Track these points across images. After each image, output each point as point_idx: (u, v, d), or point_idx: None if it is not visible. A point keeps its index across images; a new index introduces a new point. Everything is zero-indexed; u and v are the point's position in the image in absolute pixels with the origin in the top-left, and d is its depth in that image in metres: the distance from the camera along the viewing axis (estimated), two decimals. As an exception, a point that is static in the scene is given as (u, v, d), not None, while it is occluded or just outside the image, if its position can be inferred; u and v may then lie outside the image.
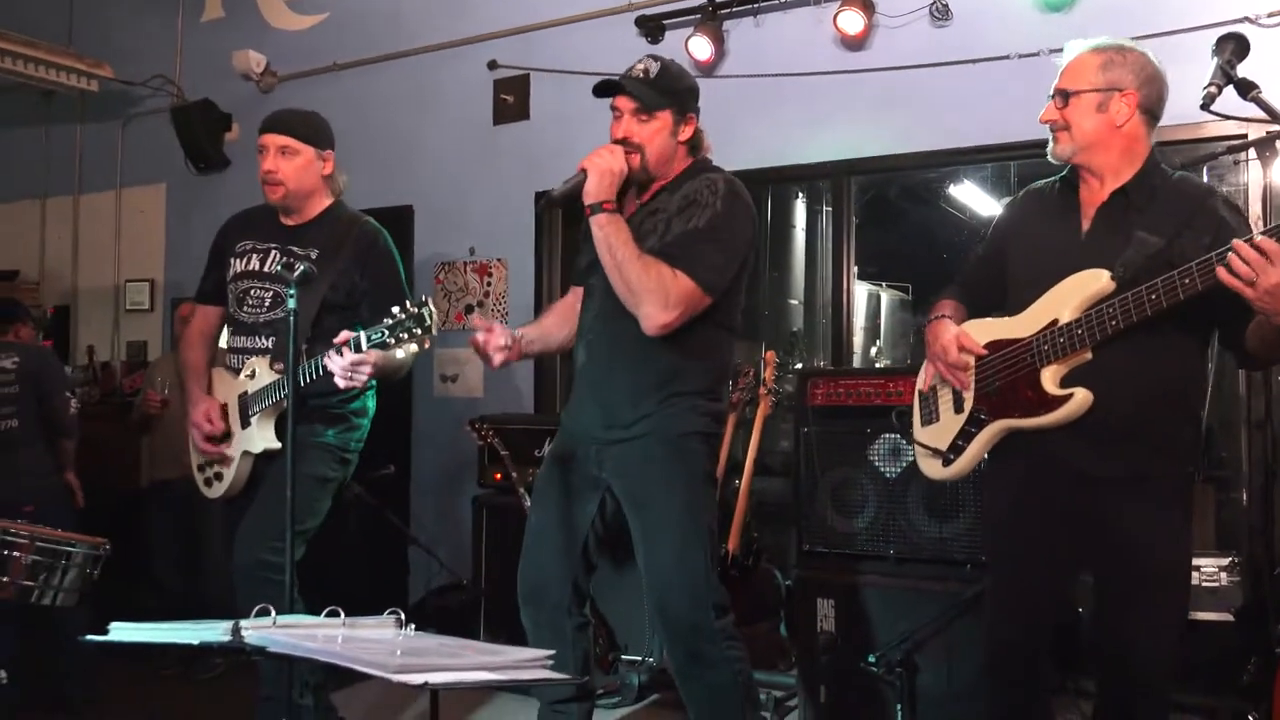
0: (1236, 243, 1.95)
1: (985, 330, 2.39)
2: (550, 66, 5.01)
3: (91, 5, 6.59)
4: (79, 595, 3.12)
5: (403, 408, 5.25)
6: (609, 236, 2.39)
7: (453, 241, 5.30)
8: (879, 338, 7.12)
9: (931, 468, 2.49)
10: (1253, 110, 2.25)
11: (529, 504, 3.83)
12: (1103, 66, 2.25)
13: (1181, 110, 2.39)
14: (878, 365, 6.69)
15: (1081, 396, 2.18)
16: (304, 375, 2.73)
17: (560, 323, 2.78)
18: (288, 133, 3.02)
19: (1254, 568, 3.23)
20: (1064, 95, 2.28)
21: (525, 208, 5.09)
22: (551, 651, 1.63)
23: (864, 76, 4.34)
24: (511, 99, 5.16)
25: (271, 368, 2.92)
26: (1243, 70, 2.28)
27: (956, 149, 4.26)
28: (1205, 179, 3.53)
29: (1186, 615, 2.30)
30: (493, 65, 5.17)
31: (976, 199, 6.52)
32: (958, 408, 2.42)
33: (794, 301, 6.60)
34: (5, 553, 2.91)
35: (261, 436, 2.95)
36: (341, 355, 2.62)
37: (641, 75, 2.50)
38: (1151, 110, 2.27)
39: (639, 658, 3.82)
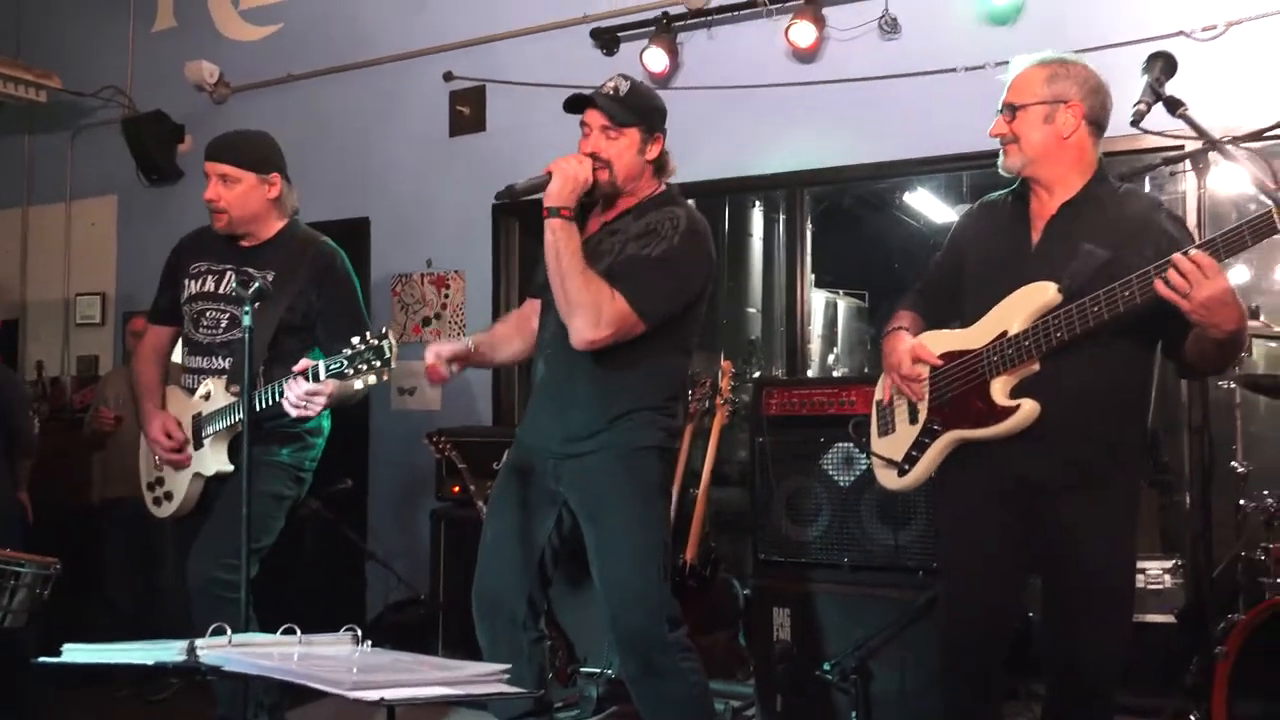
0: (1175, 256, 2.01)
1: (940, 341, 2.44)
2: (506, 78, 5.03)
3: (40, 15, 6.51)
4: (28, 616, 3.09)
5: (360, 421, 5.23)
6: (559, 242, 2.42)
7: (410, 253, 5.30)
8: (836, 345, 7.20)
9: (887, 478, 2.53)
10: (1182, 125, 2.33)
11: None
12: (1048, 79, 2.31)
13: (1122, 122, 2.47)
14: (835, 373, 6.77)
15: (1028, 408, 2.23)
16: (261, 399, 2.72)
17: (512, 335, 2.80)
18: (226, 160, 3.01)
19: (1197, 570, 3.32)
20: (1011, 109, 2.33)
21: (483, 219, 5.10)
22: (507, 666, 1.66)
23: (816, 88, 4.41)
24: (468, 110, 5.18)
25: (227, 389, 2.92)
26: (1179, 84, 2.37)
27: (907, 159, 4.35)
28: (1148, 189, 3.64)
29: (1131, 620, 2.37)
30: (449, 76, 5.18)
31: (930, 206, 6.63)
32: (912, 418, 2.47)
33: (751, 310, 6.66)
34: (-49, 574, 2.88)
35: (214, 459, 2.94)
36: (296, 384, 2.62)
37: (612, 92, 2.54)
38: (1097, 121, 2.33)
39: (598, 670, 3.85)
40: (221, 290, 3.04)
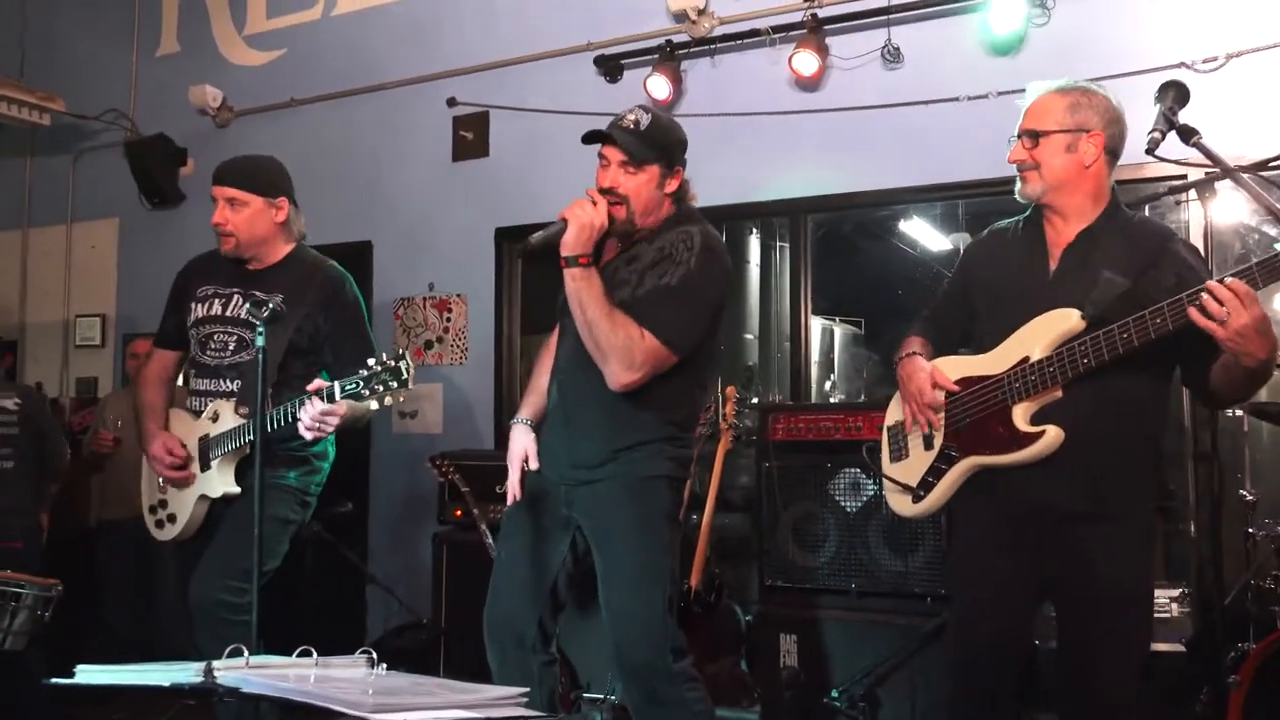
0: (1210, 284, 2.01)
1: (956, 367, 2.43)
2: (510, 104, 5.04)
3: (44, 38, 6.52)
4: (28, 638, 3.06)
5: (361, 444, 5.20)
6: (581, 292, 2.40)
7: (412, 277, 5.29)
8: (833, 372, 7.20)
9: (901, 504, 2.51)
10: (1193, 154, 2.34)
11: (490, 541, 3.83)
12: (1071, 108, 2.32)
13: (1124, 151, 2.47)
14: (832, 400, 6.76)
15: (1053, 434, 2.22)
16: (271, 421, 2.70)
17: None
18: (234, 184, 3.00)
19: (1203, 598, 3.31)
20: (1033, 135, 2.33)
21: (485, 243, 5.10)
22: (526, 689, 1.63)
23: (819, 116, 4.43)
24: (471, 135, 5.19)
25: (236, 411, 2.90)
26: (1180, 114, 2.37)
27: (910, 187, 4.36)
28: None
29: (1149, 648, 2.36)
30: (452, 102, 5.19)
31: (926, 235, 6.65)
32: (927, 444, 2.45)
33: (749, 336, 6.66)
34: (-48, 596, 2.85)
35: (221, 481, 2.91)
36: (311, 404, 2.60)
37: (631, 126, 2.50)
38: (1114, 151, 2.35)
39: (601, 696, 3.81)
40: (229, 313, 3.02)
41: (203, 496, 2.95)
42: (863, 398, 7.15)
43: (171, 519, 3.03)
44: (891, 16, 4.25)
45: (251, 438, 2.77)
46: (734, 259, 6.41)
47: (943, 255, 6.59)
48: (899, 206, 5.39)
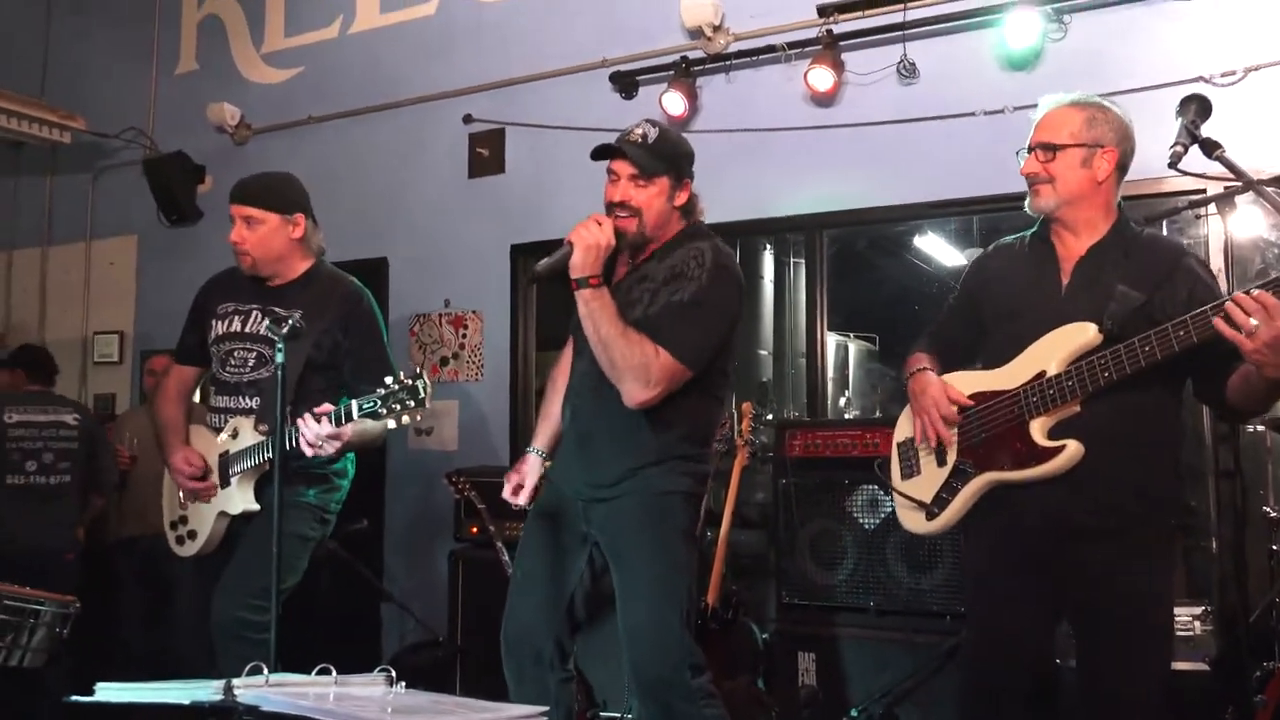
0: (1237, 295, 2.01)
1: (968, 382, 2.42)
2: (526, 121, 5.06)
3: (65, 57, 6.59)
4: (47, 656, 3.06)
5: (377, 461, 5.21)
6: (593, 313, 2.41)
7: (428, 293, 5.31)
8: (848, 388, 7.18)
9: (914, 521, 2.49)
10: (1213, 167, 2.33)
11: (506, 558, 3.83)
12: (1088, 122, 2.33)
13: (1143, 165, 2.47)
14: (847, 416, 6.73)
15: (1074, 448, 2.21)
16: (290, 439, 2.70)
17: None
18: (250, 202, 3.03)
19: (1226, 616, 3.27)
20: (1049, 149, 2.33)
21: (501, 260, 5.11)
22: (546, 708, 1.63)
23: (834, 132, 4.43)
24: (487, 152, 5.21)
25: (255, 428, 2.91)
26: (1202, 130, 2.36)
27: (925, 203, 4.35)
28: (1166, 232, 3.64)
29: (1170, 665, 2.33)
30: (468, 119, 5.22)
31: (941, 250, 6.63)
32: (940, 460, 2.43)
33: (763, 352, 6.64)
34: (-31, 612, 2.87)
35: (241, 498, 2.92)
36: (320, 423, 2.61)
37: (640, 140, 2.52)
38: (1125, 167, 2.36)
39: (617, 715, 3.78)
40: (248, 329, 3.04)
41: (222, 513, 2.96)
42: (878, 414, 7.11)
43: (192, 535, 3.04)
44: (907, 32, 4.25)
45: (271, 455, 2.78)
46: (748, 275, 6.41)
47: (958, 271, 6.50)
48: (914, 222, 5.38)
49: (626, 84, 4.83)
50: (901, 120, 4.29)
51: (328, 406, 2.60)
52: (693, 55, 4.65)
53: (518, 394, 5.05)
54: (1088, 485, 2.22)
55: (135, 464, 4.84)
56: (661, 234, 2.58)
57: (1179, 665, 3.18)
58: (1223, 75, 3.77)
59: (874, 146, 4.35)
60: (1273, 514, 3.20)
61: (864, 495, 3.28)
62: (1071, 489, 2.23)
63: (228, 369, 3.05)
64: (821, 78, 4.34)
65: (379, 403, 2.43)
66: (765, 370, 6.59)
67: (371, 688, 1.71)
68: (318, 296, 3.02)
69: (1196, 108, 2.27)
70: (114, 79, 6.36)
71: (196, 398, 3.23)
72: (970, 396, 2.39)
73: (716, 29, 4.60)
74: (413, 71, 5.44)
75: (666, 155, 2.54)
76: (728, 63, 4.63)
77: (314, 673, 1.68)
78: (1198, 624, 3.18)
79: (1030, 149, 2.38)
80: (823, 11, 4.41)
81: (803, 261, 5.13)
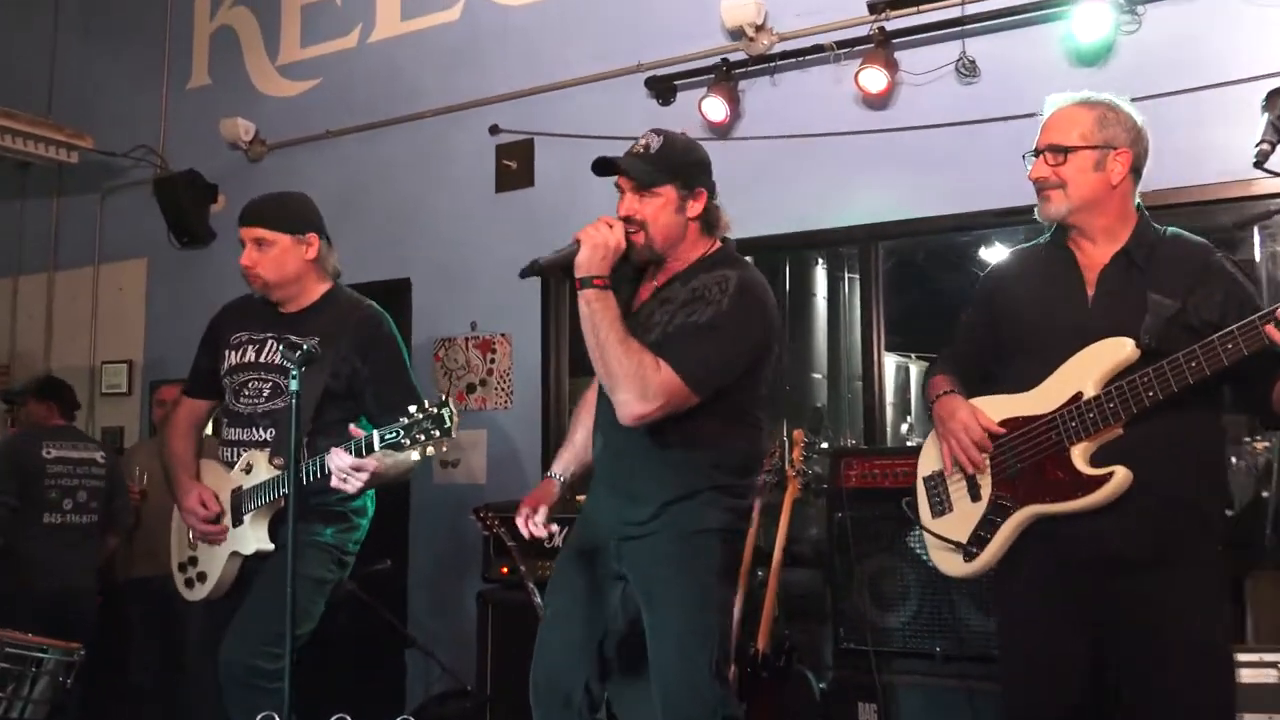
0: None
1: (996, 408, 2.40)
2: (555, 130, 5.09)
3: (72, 73, 6.74)
4: (49, 707, 3.09)
5: (400, 496, 5.22)
6: (594, 314, 2.42)
7: (453, 316, 5.33)
8: (909, 413, 7.10)
9: (950, 563, 2.47)
10: None
11: (539, 600, 3.81)
12: (1098, 123, 2.33)
13: (1230, 167, 2.43)
14: (909, 443, 6.66)
15: (1122, 475, 2.19)
16: (306, 473, 2.72)
17: (590, 434, 2.76)
18: (259, 223, 3.07)
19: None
20: (1060, 151, 2.33)
21: (530, 280, 5.10)
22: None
23: (888, 137, 4.40)
24: (515, 165, 5.24)
25: (270, 462, 2.93)
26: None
27: (989, 211, 4.29)
28: (1258, 239, 3.56)
29: (1234, 706, 2.29)
30: (494, 130, 5.25)
31: (1009, 263, 6.55)
32: (974, 495, 2.41)
33: (817, 375, 6.60)
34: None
35: (255, 536, 2.94)
36: (340, 454, 2.63)
37: (641, 151, 2.55)
38: (1139, 169, 2.36)
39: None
40: (263, 359, 3.07)
41: (235, 553, 2.98)
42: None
43: (201, 577, 3.06)
44: (966, 27, 4.23)
45: (286, 490, 2.80)
46: (799, 292, 6.46)
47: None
48: (978, 232, 5.32)
49: (663, 89, 4.84)
50: (961, 122, 4.25)
51: (356, 430, 2.61)
52: (734, 57, 4.65)
53: (550, 422, 5.05)
54: (1135, 512, 2.20)
55: (145, 500, 4.90)
56: (679, 251, 2.59)
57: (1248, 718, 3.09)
58: (1315, 67, 3.70)
59: (932, 151, 4.32)
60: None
61: (927, 530, 3.22)
62: (1118, 518, 2.21)
63: (241, 400, 3.08)
64: (874, 79, 4.32)
65: (402, 432, 2.44)
66: (819, 395, 6.54)
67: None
68: (334, 322, 3.04)
69: (1284, 101, 2.24)
70: (123, 95, 6.49)
71: (208, 431, 3.26)
72: (1000, 424, 2.38)
73: (759, 29, 4.60)
74: (436, 81, 5.50)
75: (669, 164, 2.54)
76: (772, 64, 4.62)
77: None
78: (1275, 671, 3.08)
79: (1038, 152, 2.39)
80: (874, 8, 4.39)
81: (857, 277, 5.09)
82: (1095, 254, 2.35)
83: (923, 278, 6.45)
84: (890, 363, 6.51)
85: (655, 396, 2.38)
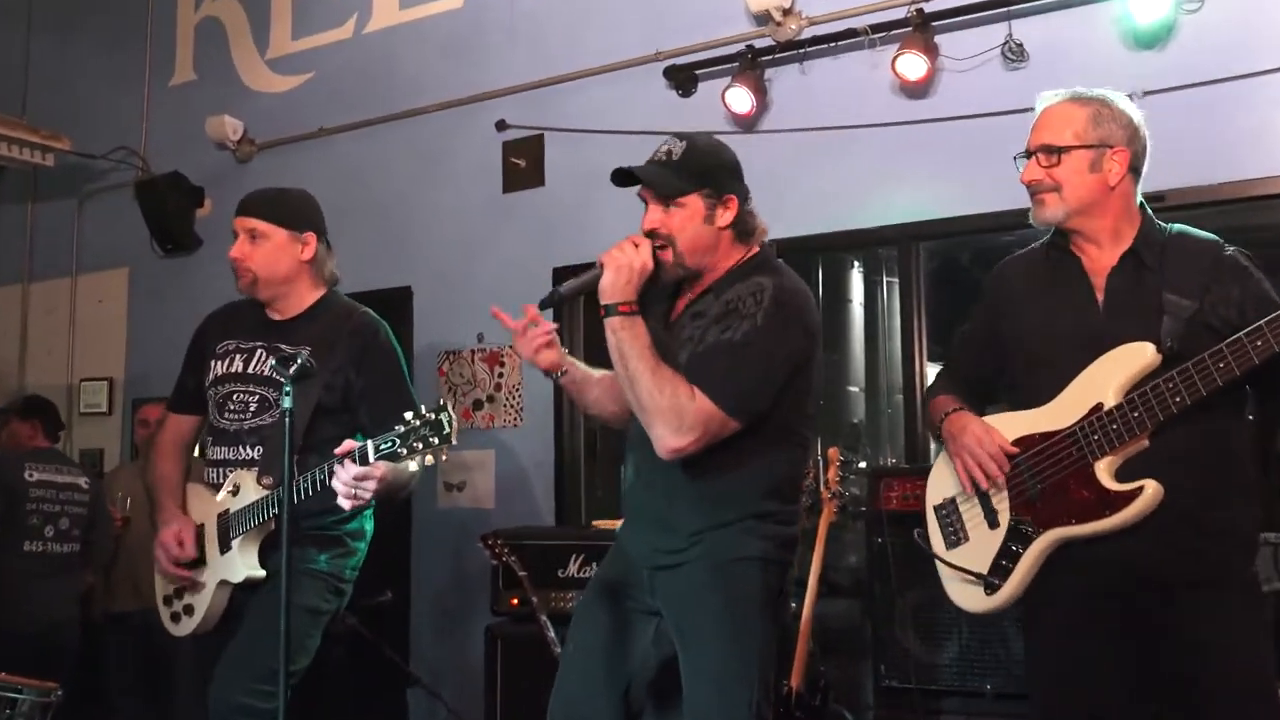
0: None
1: (1008, 425, 2.42)
2: (567, 125, 5.11)
3: (48, 71, 6.82)
4: (22, 752, 3.10)
5: (401, 522, 5.24)
6: (622, 344, 2.43)
7: (458, 327, 5.36)
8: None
9: (969, 598, 2.47)
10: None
11: (553, 635, 3.81)
12: (1093, 120, 2.37)
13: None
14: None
15: (1153, 489, 2.21)
16: (297, 492, 2.73)
17: (605, 390, 2.76)
18: (255, 214, 3.10)
19: None
20: (1053, 151, 2.37)
21: (541, 286, 5.07)
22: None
23: (929, 128, 4.41)
24: (523, 163, 5.27)
25: (259, 482, 2.94)
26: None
27: (1040, 208, 4.29)
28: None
29: None
30: (501, 125, 5.28)
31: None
32: (992, 521, 2.43)
33: (854, 389, 6.58)
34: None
35: (244, 563, 2.94)
36: (344, 467, 2.64)
37: (663, 158, 2.55)
38: (1138, 168, 2.40)
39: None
40: (251, 369, 3.09)
41: (223, 582, 2.99)
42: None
43: (189, 610, 3.07)
44: (1012, 8, 4.23)
45: (277, 512, 2.81)
46: (833, 298, 6.45)
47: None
48: (1026, 230, 5.32)
49: (683, 79, 4.86)
50: (1008, 111, 4.23)
51: (350, 444, 2.62)
52: (760, 44, 4.67)
53: (563, 442, 5.06)
54: (1167, 528, 2.22)
55: (127, 528, 4.92)
56: (712, 262, 2.58)
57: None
58: (1397, 46, 3.69)
59: (976, 143, 4.31)
60: None
61: (975, 555, 3.22)
62: (1153, 537, 2.22)
63: (226, 415, 3.09)
64: (912, 65, 4.32)
65: (398, 441, 2.45)
66: (856, 409, 6.53)
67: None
68: (328, 331, 3.06)
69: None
70: (102, 93, 6.56)
71: (196, 452, 3.28)
72: (1014, 442, 2.40)
73: (787, 13, 4.62)
74: (437, 74, 5.54)
75: (695, 170, 2.53)
76: (801, 51, 4.64)
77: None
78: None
79: (1029, 153, 2.43)
80: (911, -12, 4.41)
81: (896, 280, 5.08)
82: (1101, 257, 2.39)
83: (968, 281, 6.43)
84: (933, 374, 6.51)
85: (691, 429, 2.39)
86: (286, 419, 2.32)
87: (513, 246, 5.23)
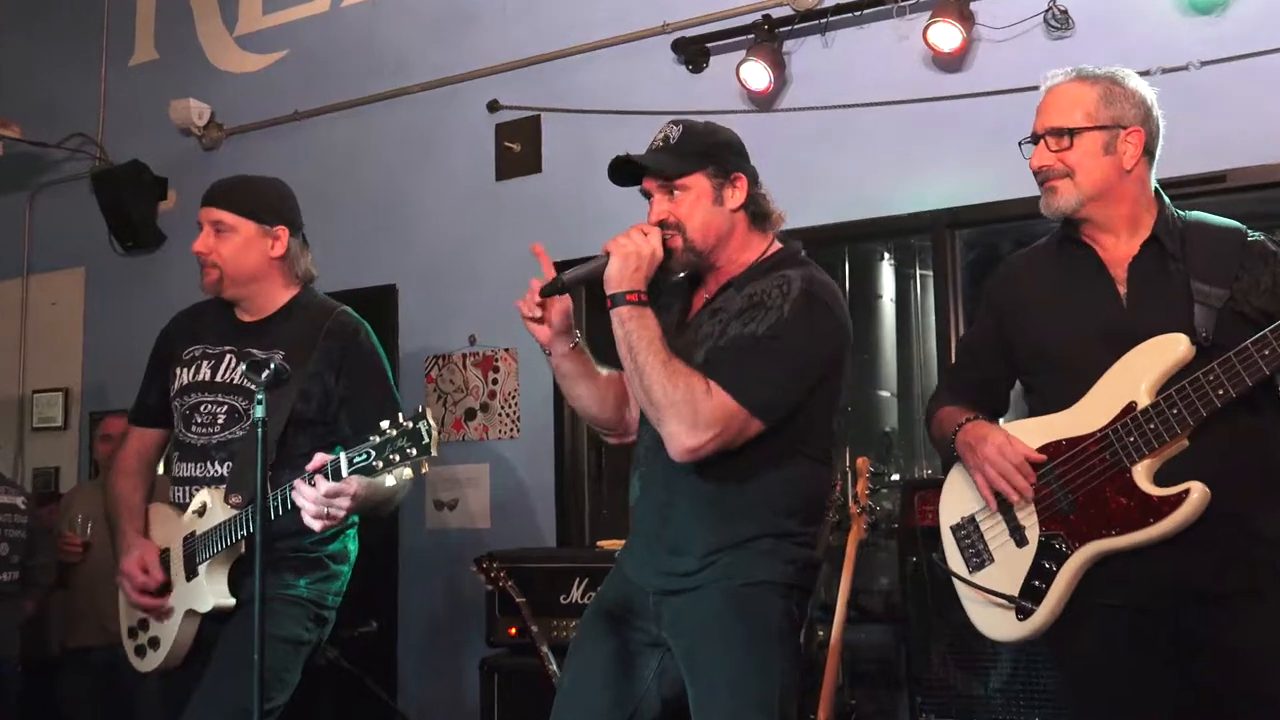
0: None
1: (1031, 432, 2.44)
2: (566, 105, 5.13)
3: (-5, 54, 6.83)
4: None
5: (387, 543, 5.25)
6: (630, 335, 2.44)
7: (448, 329, 5.37)
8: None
9: (999, 625, 2.48)
10: None
11: (554, 667, 3.82)
12: (1104, 100, 2.41)
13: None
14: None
15: (1199, 492, 2.22)
16: (271, 511, 2.74)
17: (607, 390, 2.77)
18: (221, 205, 3.11)
19: None
20: (1063, 134, 2.41)
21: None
22: None
23: (965, 104, 4.41)
24: (519, 147, 5.28)
25: (227, 501, 2.94)
26: None
27: (1088, 191, 4.30)
28: None
29: None
30: (494, 106, 5.30)
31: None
32: (1019, 539, 2.44)
33: (884, 393, 6.58)
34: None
35: (212, 591, 2.95)
36: (314, 484, 2.64)
37: (661, 144, 2.60)
38: (1153, 150, 2.45)
39: None
40: (219, 377, 3.10)
41: (190, 612, 2.99)
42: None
43: (154, 643, 3.08)
44: (1056, -30, 4.24)
45: (247, 532, 2.82)
46: (862, 293, 6.44)
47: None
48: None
49: (694, 53, 4.88)
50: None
51: (322, 457, 2.63)
52: (777, 13, 4.69)
53: (565, 455, 5.07)
54: (1216, 536, 2.23)
55: (88, 554, 4.93)
56: (729, 253, 2.61)
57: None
58: None
59: (1017, 120, 4.23)
60: None
61: (1020, 576, 3.23)
62: (1197, 544, 2.24)
63: (193, 428, 3.10)
64: (946, 35, 4.33)
65: (373, 453, 2.46)
66: (888, 417, 6.53)
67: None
68: (303, 333, 3.07)
69: None
70: (54, 76, 6.58)
71: (162, 468, 3.29)
72: (1039, 451, 2.41)
73: (807, -22, 4.63)
74: (423, 50, 5.56)
75: (694, 149, 2.58)
76: (824, 21, 4.65)
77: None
78: None
79: (1037, 137, 2.47)
80: (944, -51, 4.41)
81: (930, 273, 5.08)
82: (1119, 247, 2.43)
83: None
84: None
85: (708, 425, 2.39)
86: (259, 431, 2.33)
87: (507, 240, 5.22)
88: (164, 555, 3.06)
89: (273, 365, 2.42)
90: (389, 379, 3.16)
